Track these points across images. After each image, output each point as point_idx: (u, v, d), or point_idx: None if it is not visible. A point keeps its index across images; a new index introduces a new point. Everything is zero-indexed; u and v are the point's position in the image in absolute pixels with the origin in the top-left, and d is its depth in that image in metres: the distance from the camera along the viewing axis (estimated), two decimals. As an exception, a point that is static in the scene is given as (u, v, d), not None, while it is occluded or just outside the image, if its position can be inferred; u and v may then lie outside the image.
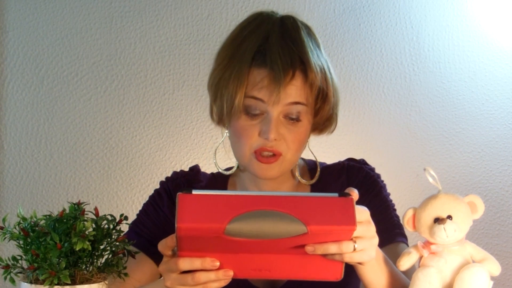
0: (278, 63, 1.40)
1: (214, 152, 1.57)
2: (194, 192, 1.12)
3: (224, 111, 1.44)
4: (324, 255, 1.17)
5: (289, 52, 1.41)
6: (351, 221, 1.11)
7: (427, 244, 1.26)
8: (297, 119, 1.43)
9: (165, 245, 1.22)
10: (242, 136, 1.44)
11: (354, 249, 1.16)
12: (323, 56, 1.47)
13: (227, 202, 1.11)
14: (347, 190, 1.16)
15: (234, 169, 1.57)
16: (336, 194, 1.14)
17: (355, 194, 1.17)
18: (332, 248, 1.15)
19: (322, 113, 1.48)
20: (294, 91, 1.41)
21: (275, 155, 1.43)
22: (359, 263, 1.21)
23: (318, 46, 1.47)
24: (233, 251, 1.16)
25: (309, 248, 1.15)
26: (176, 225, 1.09)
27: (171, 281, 1.21)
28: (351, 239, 1.16)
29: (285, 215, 1.11)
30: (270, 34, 1.43)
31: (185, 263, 1.18)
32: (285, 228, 1.10)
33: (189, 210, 1.10)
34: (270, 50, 1.41)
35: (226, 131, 1.51)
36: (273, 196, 1.13)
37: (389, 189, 1.61)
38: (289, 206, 1.11)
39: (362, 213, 1.19)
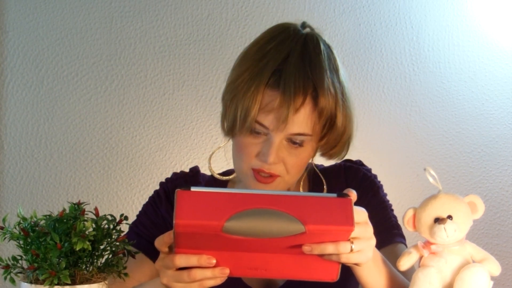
0: (291, 88, 1.37)
1: (209, 158, 1.55)
2: (193, 189, 1.12)
3: (236, 126, 1.41)
4: (321, 256, 1.17)
5: (304, 77, 1.38)
6: (349, 222, 1.11)
7: (427, 244, 1.26)
8: (300, 145, 1.42)
9: (162, 242, 1.22)
10: (242, 152, 1.43)
11: (351, 250, 1.16)
12: (341, 82, 1.44)
13: (226, 200, 1.11)
14: (345, 191, 1.17)
15: (234, 175, 1.56)
16: (334, 195, 1.14)
17: (353, 195, 1.17)
18: (329, 248, 1.15)
19: (327, 139, 1.45)
20: (302, 119, 1.39)
21: (272, 176, 1.42)
22: (356, 264, 1.21)
23: (337, 70, 1.44)
24: (230, 249, 1.16)
25: (306, 248, 1.15)
26: (174, 221, 1.09)
27: (167, 278, 1.21)
28: (349, 240, 1.16)
29: (284, 214, 1.11)
30: (291, 54, 1.41)
31: (181, 260, 1.18)
32: (283, 227, 1.10)
33: (187, 206, 1.10)
34: (286, 71, 1.39)
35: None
36: (272, 195, 1.13)
37: (389, 189, 1.61)
38: (288, 205, 1.11)
39: (360, 214, 1.19)
